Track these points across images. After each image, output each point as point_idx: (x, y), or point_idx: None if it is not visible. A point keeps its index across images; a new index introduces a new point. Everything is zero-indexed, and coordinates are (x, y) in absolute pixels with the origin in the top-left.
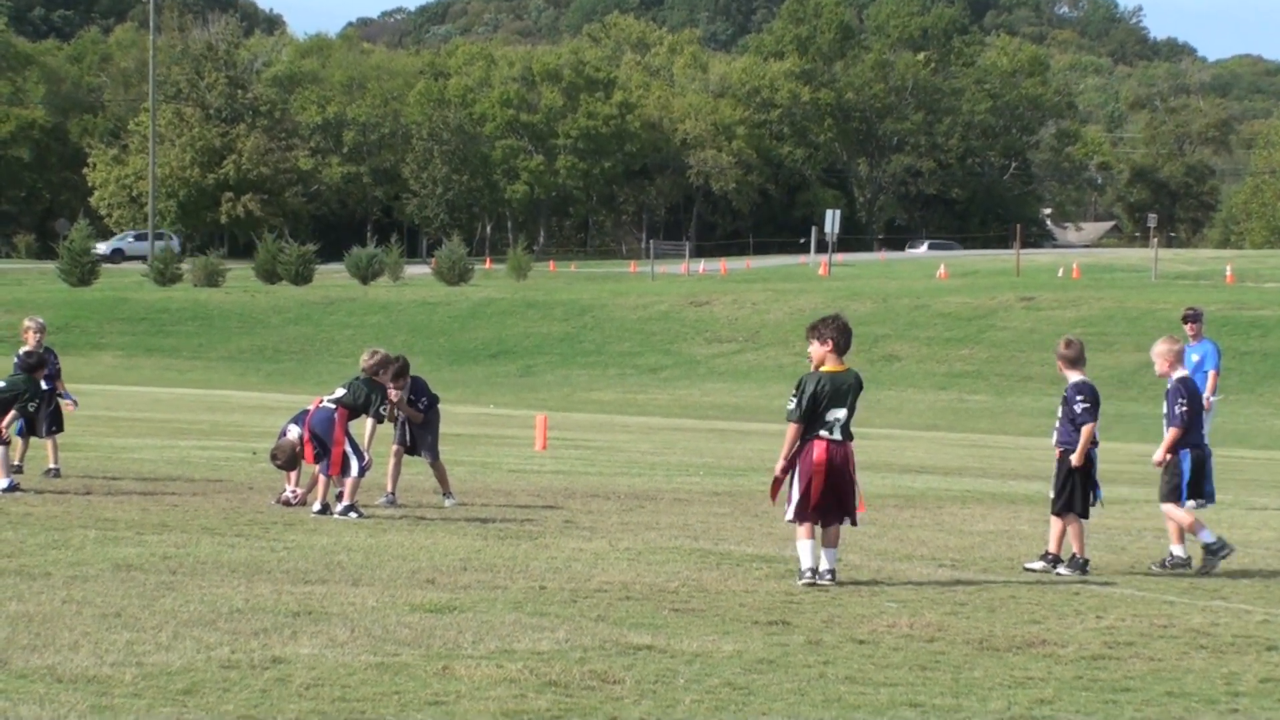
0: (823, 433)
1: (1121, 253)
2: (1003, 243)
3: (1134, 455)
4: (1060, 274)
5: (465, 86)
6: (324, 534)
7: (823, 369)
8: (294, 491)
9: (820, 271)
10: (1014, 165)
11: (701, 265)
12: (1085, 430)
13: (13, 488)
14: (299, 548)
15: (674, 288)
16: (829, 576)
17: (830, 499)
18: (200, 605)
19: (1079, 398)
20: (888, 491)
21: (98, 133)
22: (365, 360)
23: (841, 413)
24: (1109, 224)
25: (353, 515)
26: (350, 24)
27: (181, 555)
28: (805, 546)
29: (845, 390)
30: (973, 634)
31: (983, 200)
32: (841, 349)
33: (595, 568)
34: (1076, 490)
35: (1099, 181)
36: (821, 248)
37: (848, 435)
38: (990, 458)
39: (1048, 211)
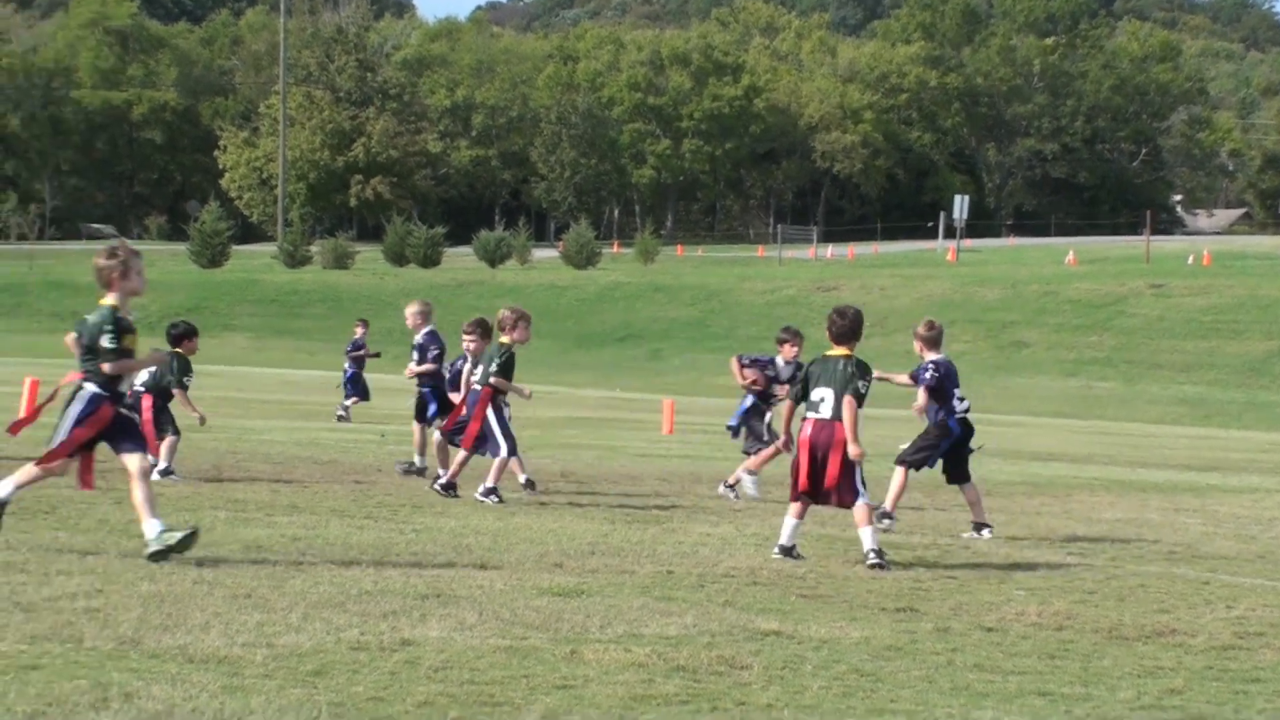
0: (809, 413)
1: (1253, 240)
2: (1132, 229)
3: (1265, 444)
4: (1190, 261)
5: (593, 70)
6: (452, 517)
7: (826, 352)
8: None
9: (948, 257)
10: (1144, 151)
11: (829, 250)
12: (921, 394)
13: (169, 472)
14: (427, 530)
15: (802, 272)
16: (874, 556)
17: (817, 476)
18: (330, 587)
19: (926, 372)
20: (1016, 479)
21: (229, 115)
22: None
23: (826, 392)
24: (1240, 211)
25: (491, 499)
26: (479, 8)
27: (311, 537)
28: (788, 524)
29: (833, 372)
30: (1102, 623)
31: (1112, 186)
32: (835, 335)
33: (723, 553)
34: (934, 453)
35: (1230, 168)
36: (950, 233)
37: (837, 415)
38: (1119, 445)
39: (1178, 198)
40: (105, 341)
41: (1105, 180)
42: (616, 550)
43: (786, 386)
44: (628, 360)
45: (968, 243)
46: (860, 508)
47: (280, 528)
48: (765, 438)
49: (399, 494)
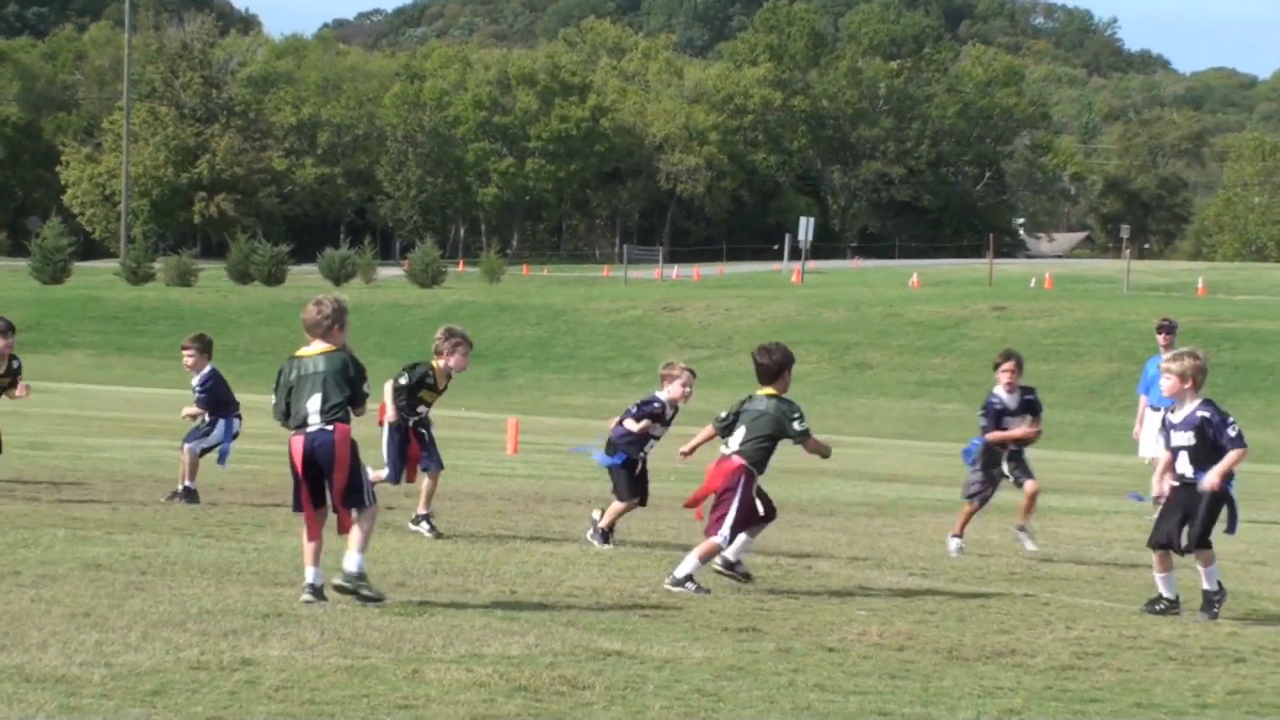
0: (723, 447)
1: (1094, 264)
2: (976, 252)
3: (1105, 466)
4: (1032, 284)
5: (440, 89)
6: (294, 535)
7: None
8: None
9: (793, 279)
10: (987, 175)
11: (675, 271)
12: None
13: None
14: (269, 549)
15: (647, 293)
16: (671, 581)
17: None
18: (170, 606)
19: None
20: (859, 500)
21: (71, 130)
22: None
23: (741, 431)
24: (1082, 235)
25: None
26: (326, 25)
27: (151, 555)
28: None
29: (753, 412)
30: (942, 643)
31: (956, 209)
32: (759, 376)
33: (566, 572)
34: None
35: (1072, 192)
36: (795, 255)
37: (740, 451)
38: (961, 467)
39: (1021, 221)
40: (368, 389)
41: (949, 203)
42: (459, 570)
43: (1017, 419)
44: (472, 379)
45: (812, 264)
46: (709, 543)
47: (120, 546)
48: (1009, 477)
49: (241, 513)
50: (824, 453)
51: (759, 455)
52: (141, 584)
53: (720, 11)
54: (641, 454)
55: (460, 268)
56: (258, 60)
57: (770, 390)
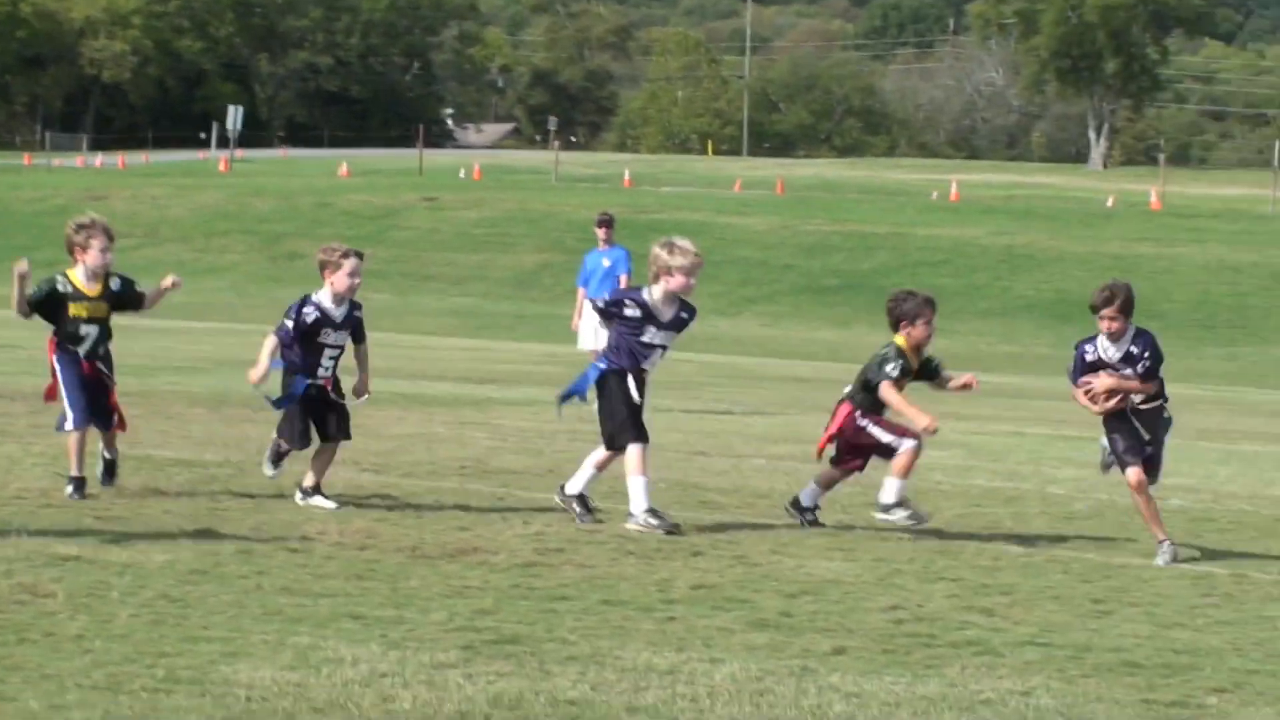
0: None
1: (522, 154)
2: (405, 142)
3: (537, 356)
4: (462, 175)
5: None
6: None
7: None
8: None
9: (221, 167)
10: (416, 66)
11: (99, 158)
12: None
13: None
14: None
15: (72, 180)
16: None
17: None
18: None
19: None
20: None
21: None
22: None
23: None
24: (509, 126)
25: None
26: None
27: None
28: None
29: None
30: (404, 541)
31: (385, 100)
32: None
33: (10, 474)
34: None
35: (500, 84)
36: (223, 143)
37: (849, 396)
38: (398, 358)
39: (449, 112)
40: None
41: (378, 94)
42: None
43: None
44: None
45: (240, 153)
46: (898, 461)
47: None
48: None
49: None
50: (892, 407)
51: (862, 398)
52: None
53: None
54: (320, 375)
55: None
56: None
57: (897, 338)
